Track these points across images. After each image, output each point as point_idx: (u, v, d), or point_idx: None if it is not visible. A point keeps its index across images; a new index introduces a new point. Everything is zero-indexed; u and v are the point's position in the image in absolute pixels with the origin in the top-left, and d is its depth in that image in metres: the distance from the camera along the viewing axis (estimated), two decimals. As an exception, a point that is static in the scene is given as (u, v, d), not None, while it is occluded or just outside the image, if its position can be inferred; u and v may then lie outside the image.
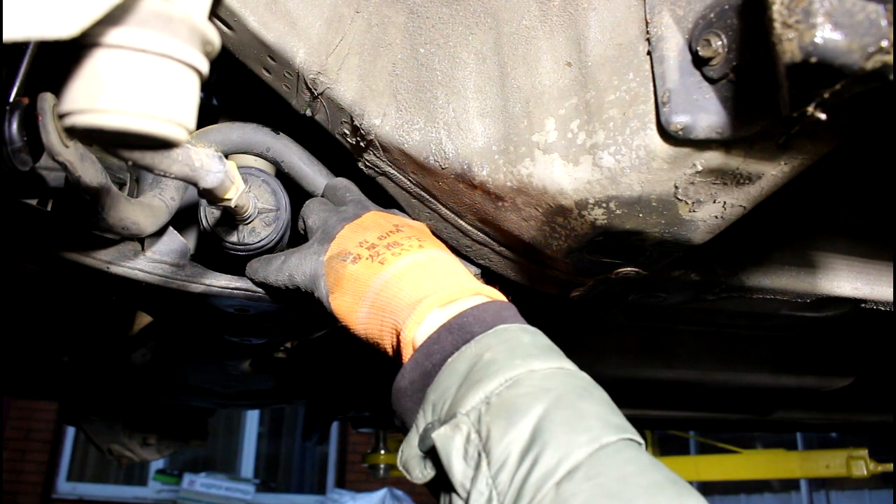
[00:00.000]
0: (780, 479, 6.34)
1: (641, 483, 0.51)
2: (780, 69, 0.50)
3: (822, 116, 0.52)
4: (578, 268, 0.87)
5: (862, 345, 1.88)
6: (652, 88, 0.65)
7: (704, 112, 0.62)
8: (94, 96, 0.46)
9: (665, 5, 0.64)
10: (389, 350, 0.76)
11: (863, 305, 1.08)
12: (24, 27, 0.39)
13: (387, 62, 0.88)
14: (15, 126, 0.65)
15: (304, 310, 1.01)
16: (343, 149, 0.97)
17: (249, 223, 0.91)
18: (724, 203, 0.71)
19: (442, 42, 0.83)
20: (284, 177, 0.98)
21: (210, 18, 0.83)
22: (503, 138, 0.77)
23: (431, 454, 0.61)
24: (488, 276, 1.00)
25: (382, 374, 2.23)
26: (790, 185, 0.71)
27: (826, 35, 0.47)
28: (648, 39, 0.66)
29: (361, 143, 0.90)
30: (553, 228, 0.79)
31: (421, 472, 0.62)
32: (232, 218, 0.89)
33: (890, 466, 3.59)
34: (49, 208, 0.87)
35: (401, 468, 0.65)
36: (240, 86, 1.11)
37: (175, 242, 0.91)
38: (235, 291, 0.93)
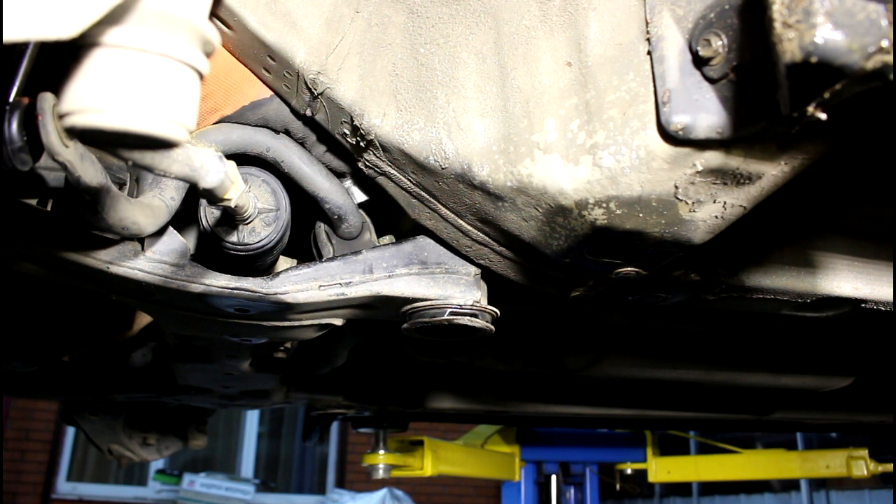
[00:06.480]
0: (780, 479, 6.34)
1: None
2: (780, 69, 0.50)
3: (822, 116, 0.52)
4: (578, 268, 0.87)
5: (862, 345, 1.87)
6: (652, 88, 0.65)
7: (704, 112, 0.62)
8: (94, 96, 0.46)
9: (665, 5, 0.64)
10: None
11: (863, 305, 1.07)
12: (24, 27, 0.39)
13: (387, 62, 0.88)
14: (15, 126, 0.65)
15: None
16: (343, 149, 0.97)
17: (249, 223, 0.91)
18: (724, 203, 0.71)
19: (442, 42, 0.83)
20: (284, 177, 0.98)
21: (210, 18, 0.83)
22: (503, 138, 0.77)
23: None
24: (488, 276, 1.00)
25: (383, 369, 2.22)
26: (790, 185, 0.71)
27: (826, 35, 0.47)
28: (648, 39, 0.66)
29: (361, 143, 0.90)
30: (553, 228, 0.79)
31: None
32: (232, 218, 0.89)
33: (890, 466, 3.59)
34: (49, 208, 0.87)
35: None
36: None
37: (175, 242, 0.91)
38: (235, 291, 0.93)
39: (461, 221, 0.91)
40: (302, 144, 0.99)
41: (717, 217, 0.73)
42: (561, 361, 1.79)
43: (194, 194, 0.91)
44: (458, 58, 0.81)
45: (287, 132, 0.98)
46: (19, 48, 0.68)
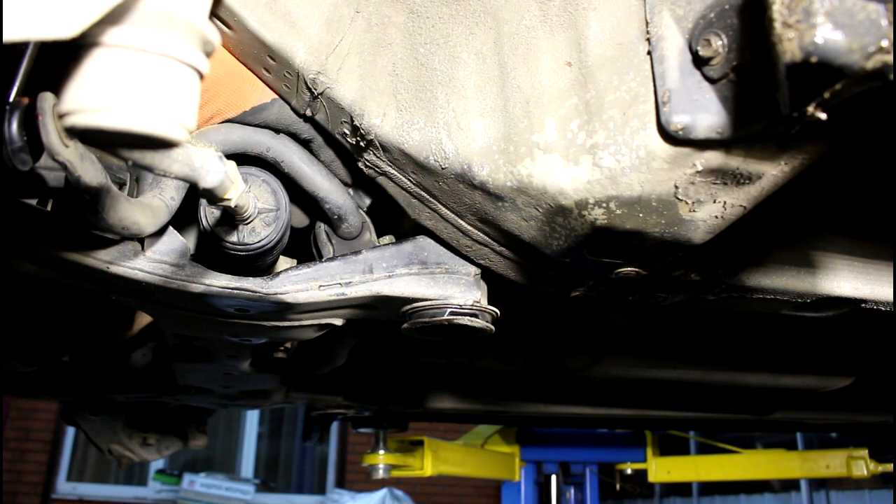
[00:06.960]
0: (780, 479, 6.34)
1: None
2: (780, 69, 0.50)
3: (822, 116, 0.52)
4: (578, 268, 0.87)
5: (862, 345, 1.87)
6: (652, 88, 0.65)
7: (704, 112, 0.62)
8: (94, 96, 0.46)
9: (665, 5, 0.64)
10: None
11: (863, 305, 1.07)
12: (24, 27, 0.39)
13: (387, 62, 0.88)
14: (15, 126, 0.65)
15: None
16: (343, 149, 0.97)
17: (249, 223, 0.91)
18: (724, 203, 0.71)
19: (442, 42, 0.83)
20: (284, 177, 0.98)
21: (210, 18, 0.83)
22: (503, 138, 0.77)
23: None
24: (488, 276, 1.00)
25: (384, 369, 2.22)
26: (790, 185, 0.71)
27: (826, 35, 0.47)
28: (648, 39, 0.66)
29: (361, 143, 0.90)
30: (553, 228, 0.79)
31: None
32: (232, 218, 0.89)
33: (890, 466, 3.60)
34: (49, 208, 0.87)
35: None
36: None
37: (175, 242, 0.91)
38: (235, 291, 0.93)
39: (461, 221, 0.91)
40: (306, 146, 0.99)
41: (717, 217, 0.73)
42: (561, 361, 1.79)
43: (194, 194, 0.91)
44: (458, 58, 0.81)
45: (293, 136, 0.98)
46: (19, 48, 0.68)
